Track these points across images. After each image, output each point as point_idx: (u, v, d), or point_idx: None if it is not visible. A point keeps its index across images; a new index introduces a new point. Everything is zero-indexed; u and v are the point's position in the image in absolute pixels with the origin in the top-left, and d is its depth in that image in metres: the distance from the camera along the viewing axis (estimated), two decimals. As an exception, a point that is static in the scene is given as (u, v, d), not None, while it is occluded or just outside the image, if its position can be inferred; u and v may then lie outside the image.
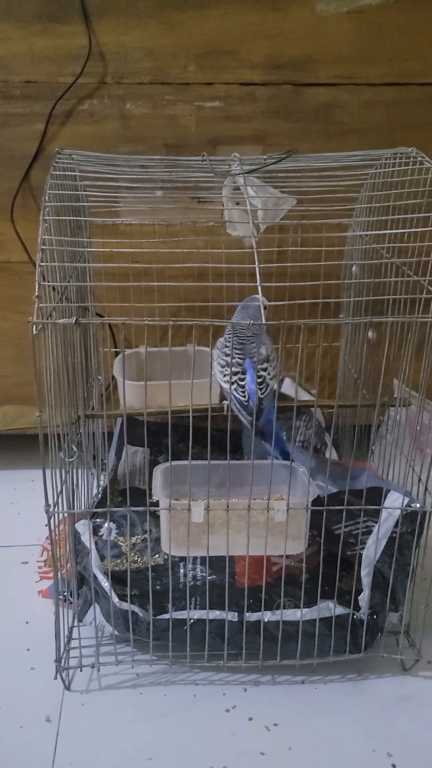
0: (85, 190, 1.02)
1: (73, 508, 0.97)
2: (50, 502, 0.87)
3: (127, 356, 1.24)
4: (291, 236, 1.14)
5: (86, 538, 0.99)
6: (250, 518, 0.89)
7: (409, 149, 0.99)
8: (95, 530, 1.08)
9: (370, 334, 1.17)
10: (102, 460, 1.27)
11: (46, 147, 1.24)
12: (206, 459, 0.87)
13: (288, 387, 1.29)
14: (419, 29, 1.21)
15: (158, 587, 1.00)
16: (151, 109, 1.24)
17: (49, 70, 1.21)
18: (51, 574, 1.11)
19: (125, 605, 0.94)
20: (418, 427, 0.98)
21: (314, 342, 1.25)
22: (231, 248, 1.07)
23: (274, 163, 1.04)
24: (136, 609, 0.94)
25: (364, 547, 0.95)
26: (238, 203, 1.08)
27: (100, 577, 0.95)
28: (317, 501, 0.92)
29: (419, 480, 0.95)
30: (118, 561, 1.05)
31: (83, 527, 1.01)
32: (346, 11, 1.20)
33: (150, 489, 0.95)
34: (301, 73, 1.23)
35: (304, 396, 1.26)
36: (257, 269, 0.82)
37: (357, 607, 0.95)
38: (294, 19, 1.20)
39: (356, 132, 1.26)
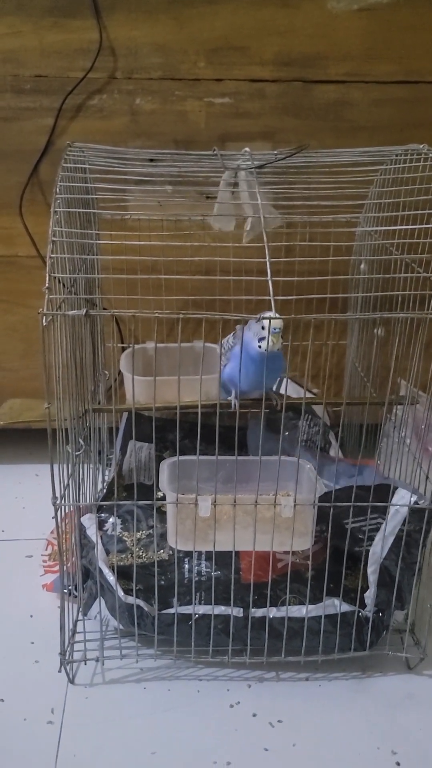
0: (94, 184, 1.01)
1: (80, 501, 0.97)
2: (57, 494, 0.87)
3: (135, 352, 1.24)
4: (299, 231, 1.14)
5: (92, 532, 0.99)
6: (256, 514, 0.88)
7: (421, 146, 0.99)
8: (100, 525, 1.08)
9: (377, 330, 1.17)
10: (107, 456, 1.27)
11: (55, 141, 1.24)
12: (211, 456, 0.87)
13: (289, 387, 1.28)
14: (429, 27, 1.21)
15: (163, 582, 1.00)
16: (161, 105, 1.23)
17: (59, 65, 1.20)
18: (55, 568, 1.11)
19: (130, 599, 0.93)
20: (423, 426, 0.97)
21: (320, 340, 1.24)
22: (239, 243, 1.07)
23: (284, 158, 1.04)
24: (141, 603, 0.94)
25: (371, 544, 0.95)
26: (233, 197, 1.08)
27: (106, 571, 0.95)
28: (324, 497, 0.91)
29: (426, 478, 0.95)
30: (123, 556, 1.05)
31: (89, 521, 1.01)
32: (357, 8, 1.20)
33: (156, 484, 0.95)
34: (311, 70, 1.22)
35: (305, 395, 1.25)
36: (267, 263, 0.82)
37: (363, 605, 0.95)
38: (304, 16, 1.20)
39: (366, 129, 1.26)
